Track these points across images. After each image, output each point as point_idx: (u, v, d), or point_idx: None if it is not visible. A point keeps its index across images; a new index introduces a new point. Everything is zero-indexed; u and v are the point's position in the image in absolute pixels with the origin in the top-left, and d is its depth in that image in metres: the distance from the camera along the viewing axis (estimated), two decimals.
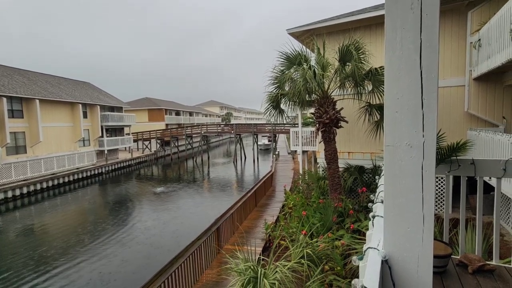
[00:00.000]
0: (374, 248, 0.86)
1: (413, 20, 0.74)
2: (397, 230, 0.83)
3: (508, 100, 8.04)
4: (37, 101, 22.32)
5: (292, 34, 11.48)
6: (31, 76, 26.96)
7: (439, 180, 8.91)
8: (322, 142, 8.56)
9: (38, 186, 20.77)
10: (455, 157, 2.47)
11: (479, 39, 7.56)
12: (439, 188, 8.99)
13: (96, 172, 26.80)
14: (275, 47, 8.09)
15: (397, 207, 0.82)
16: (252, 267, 4.31)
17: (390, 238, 0.84)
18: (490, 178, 2.61)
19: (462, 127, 8.82)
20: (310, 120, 21.50)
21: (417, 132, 0.76)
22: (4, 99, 19.74)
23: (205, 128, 39.77)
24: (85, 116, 28.13)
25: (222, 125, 44.62)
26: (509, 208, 7.10)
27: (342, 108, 8.35)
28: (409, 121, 0.77)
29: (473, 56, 8.15)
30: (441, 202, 8.96)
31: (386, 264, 0.84)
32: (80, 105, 26.97)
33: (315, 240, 5.79)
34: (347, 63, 7.94)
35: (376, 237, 0.93)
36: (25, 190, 19.76)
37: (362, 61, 7.72)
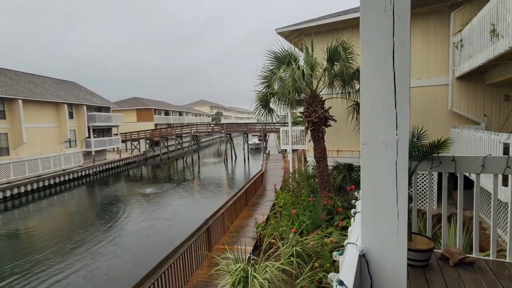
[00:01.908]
0: (353, 243, 0.89)
1: (386, 22, 0.77)
2: (373, 225, 0.86)
3: (489, 98, 8.32)
4: (20, 101, 21.62)
5: (281, 34, 11.54)
6: (13, 75, 26.09)
7: (424, 176, 9.15)
8: (311, 141, 8.64)
9: (22, 189, 20.14)
10: (436, 154, 2.55)
11: (461, 40, 7.80)
12: (424, 184, 9.23)
13: (83, 173, 26.20)
14: (272, 47, 8.08)
15: (373, 203, 0.86)
16: (242, 267, 4.32)
17: (367, 233, 0.88)
18: (470, 174, 2.71)
19: (446, 124, 9.08)
20: (300, 119, 21.63)
21: (391, 131, 0.80)
22: None
23: (195, 128, 39.47)
24: (71, 116, 27.45)
25: (212, 125, 44.38)
26: (490, 203, 7.36)
27: (330, 107, 8.45)
28: (383, 120, 0.80)
29: (456, 56, 8.40)
30: (426, 198, 9.20)
31: (363, 259, 0.87)
32: (66, 105, 26.30)
33: (304, 238, 5.85)
34: (335, 63, 8.04)
35: (356, 233, 0.96)
36: (8, 193, 19.12)
37: (350, 61, 7.84)
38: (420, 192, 9.19)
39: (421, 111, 9.35)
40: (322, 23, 10.18)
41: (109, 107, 34.03)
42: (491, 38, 5.62)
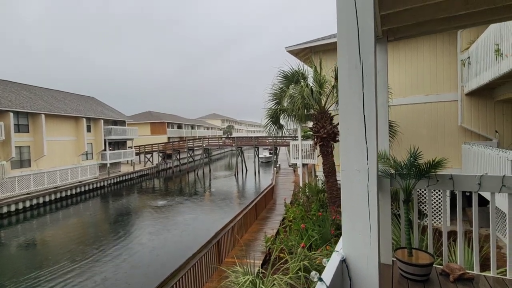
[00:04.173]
0: (337, 251, 1.08)
1: (357, 76, 0.99)
2: (351, 236, 1.06)
3: (500, 114, 8.29)
4: (43, 115, 22.83)
5: (291, 52, 11.94)
6: (38, 91, 27.66)
7: (438, 194, 9.06)
8: (321, 156, 8.78)
9: (41, 200, 20.92)
10: (433, 173, 2.69)
11: (468, 57, 7.91)
12: (438, 202, 9.12)
13: (98, 185, 26.98)
14: (282, 66, 8.44)
15: (351, 218, 1.05)
16: (250, 279, 4.45)
17: (347, 243, 1.07)
18: (468, 192, 2.84)
19: (457, 140, 9.05)
20: (310, 132, 21.76)
21: (363, 161, 1.00)
22: (11, 114, 20.24)
23: (207, 141, 40.14)
24: (88, 130, 28.62)
25: (224, 138, 45.00)
26: (505, 220, 7.22)
27: (338, 123, 8.62)
28: (357, 151, 1.01)
29: (464, 72, 8.48)
30: (436, 215, 9.07)
31: (344, 264, 1.05)
32: (84, 119, 27.50)
33: (312, 252, 5.92)
34: None
35: (341, 243, 1.15)
36: (27, 204, 19.91)
37: None
38: (435, 209, 9.08)
39: (431, 127, 9.37)
40: (330, 41, 10.51)
41: (124, 121, 35.25)
42: (496, 57, 5.74)
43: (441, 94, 9.24)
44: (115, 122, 33.58)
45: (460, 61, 8.57)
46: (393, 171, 2.91)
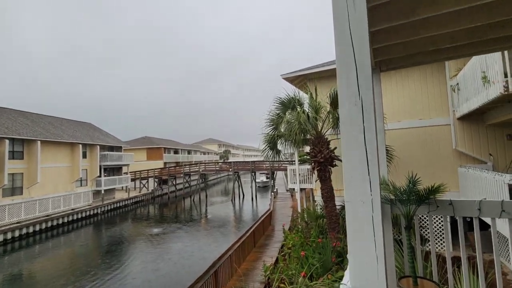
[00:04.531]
0: (344, 284, 1.07)
1: (357, 112, 1.05)
2: (359, 267, 1.06)
3: (492, 138, 8.48)
4: (39, 142, 22.73)
5: (286, 79, 12.33)
6: (35, 118, 27.78)
7: (439, 219, 8.98)
8: (318, 180, 8.76)
9: (31, 229, 20.20)
10: (433, 198, 2.71)
11: (457, 83, 8.24)
12: (440, 227, 9.02)
13: (91, 213, 26.26)
14: (278, 91, 8.71)
15: (357, 249, 1.06)
16: None
17: (354, 275, 1.06)
18: (468, 217, 2.83)
19: (453, 163, 9.14)
20: (307, 157, 21.83)
21: (366, 192, 1.04)
22: (7, 141, 20.14)
23: (203, 166, 39.93)
24: (84, 156, 28.39)
25: (220, 163, 44.86)
26: (507, 244, 7.11)
27: (335, 148, 8.71)
28: (361, 184, 1.05)
29: (454, 98, 8.78)
30: (437, 240, 8.94)
31: None
32: (80, 145, 27.40)
33: (314, 282, 5.71)
34: (337, 108, 8.50)
35: (348, 275, 1.14)
36: (17, 233, 19.18)
37: None
38: (436, 234, 8.96)
39: (426, 150, 9.50)
40: (323, 69, 10.92)
41: (121, 147, 35.18)
42: (484, 83, 6.00)
43: (434, 119, 9.47)
44: (111, 148, 33.48)
45: (450, 87, 8.90)
46: (392, 197, 2.92)
